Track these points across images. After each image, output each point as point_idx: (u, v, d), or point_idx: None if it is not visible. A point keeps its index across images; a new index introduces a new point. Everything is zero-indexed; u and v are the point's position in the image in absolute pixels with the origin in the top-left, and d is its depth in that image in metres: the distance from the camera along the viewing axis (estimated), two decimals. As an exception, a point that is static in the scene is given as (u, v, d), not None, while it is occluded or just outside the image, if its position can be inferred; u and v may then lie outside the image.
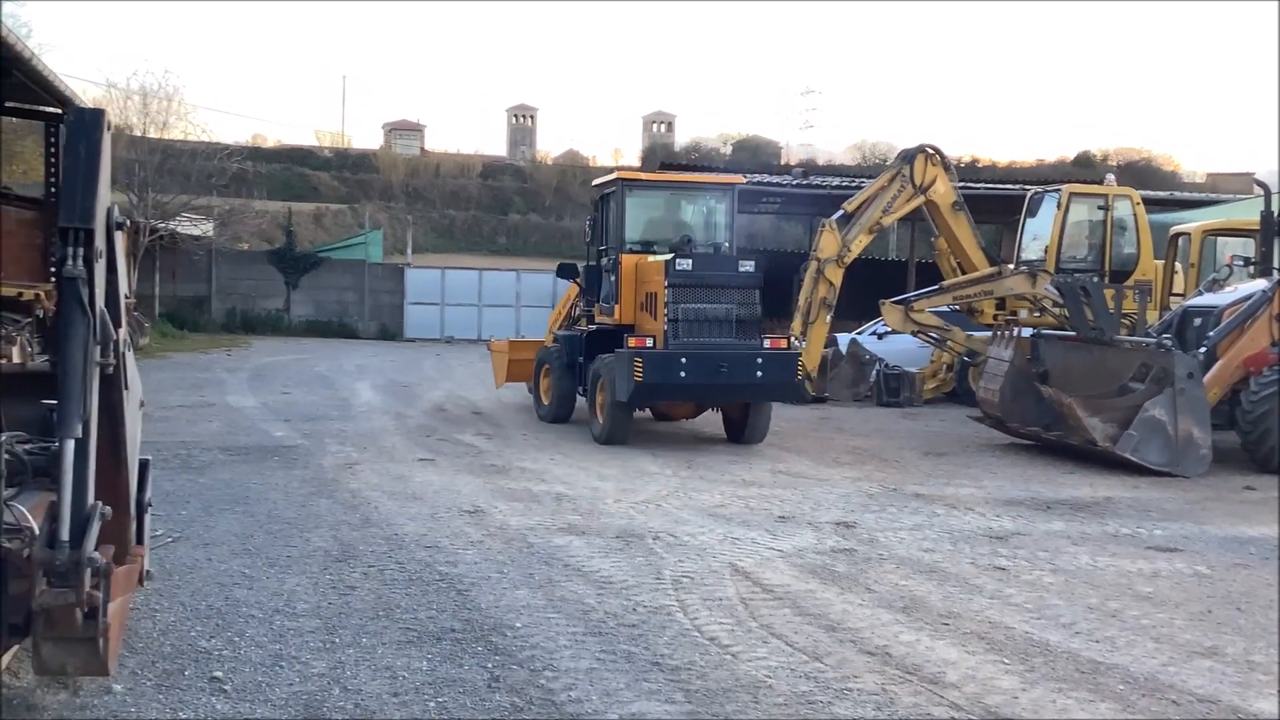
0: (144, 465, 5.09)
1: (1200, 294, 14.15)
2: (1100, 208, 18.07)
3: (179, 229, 29.69)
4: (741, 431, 12.92)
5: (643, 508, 8.90)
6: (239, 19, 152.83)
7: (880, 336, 19.58)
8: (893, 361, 18.29)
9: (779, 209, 32.21)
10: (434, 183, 65.41)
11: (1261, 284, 12.54)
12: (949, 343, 17.68)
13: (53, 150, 7.26)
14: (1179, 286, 17.13)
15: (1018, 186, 25.74)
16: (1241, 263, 15.28)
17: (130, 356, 4.56)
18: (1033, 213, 18.49)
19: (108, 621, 3.85)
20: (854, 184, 24.29)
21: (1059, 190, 18.24)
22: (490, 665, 5.12)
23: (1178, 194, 32.97)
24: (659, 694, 4.83)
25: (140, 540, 4.99)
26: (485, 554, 7.20)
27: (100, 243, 3.95)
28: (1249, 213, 17.37)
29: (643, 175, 15.42)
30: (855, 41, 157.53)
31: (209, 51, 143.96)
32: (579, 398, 13.91)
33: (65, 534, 3.67)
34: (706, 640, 5.58)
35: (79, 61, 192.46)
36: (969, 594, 6.61)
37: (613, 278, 13.41)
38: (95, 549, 3.73)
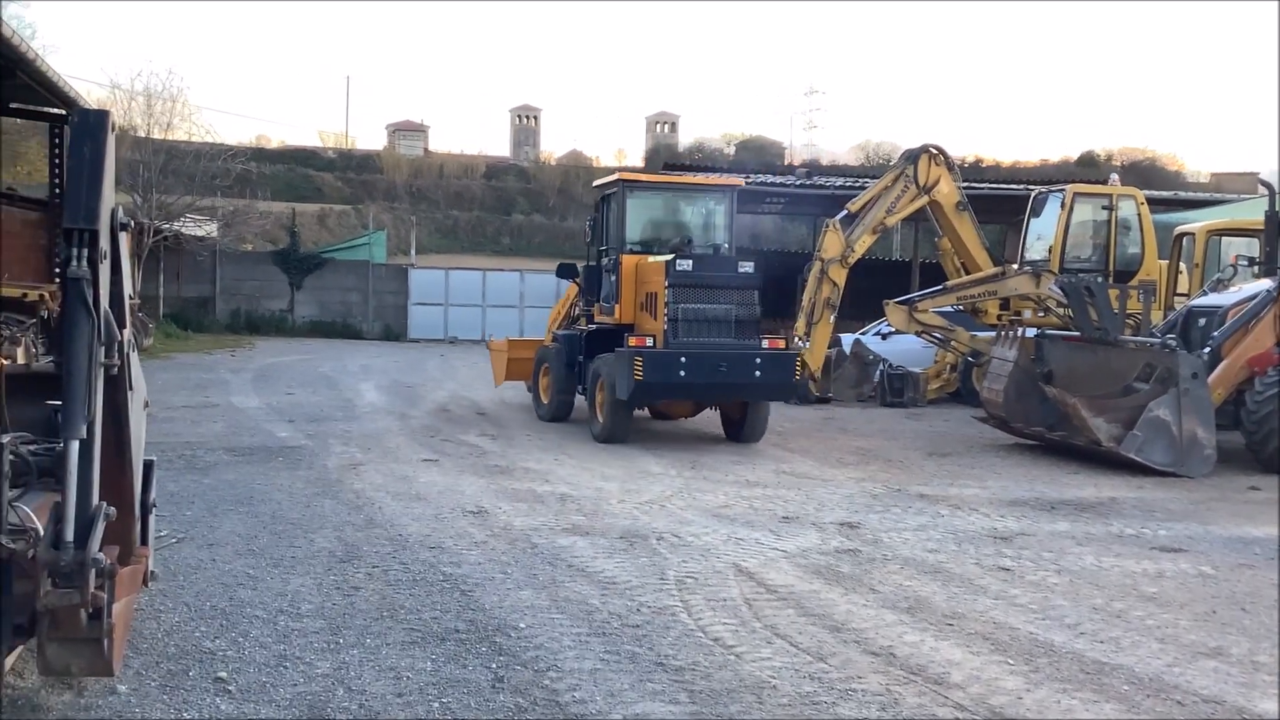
0: (148, 466, 5.10)
1: (1205, 294, 14.15)
2: (1104, 208, 18.05)
3: (183, 230, 29.73)
4: (740, 430, 13.01)
5: (647, 508, 8.90)
6: (243, 20, 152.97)
7: (884, 337, 19.56)
8: (897, 362, 18.29)
9: (783, 209, 32.22)
10: (438, 183, 65.43)
11: (1266, 284, 12.53)
12: (953, 343, 17.67)
13: (57, 151, 7.29)
14: (1183, 286, 17.12)
15: (1022, 186, 25.72)
16: (1246, 263, 15.27)
17: (135, 357, 4.57)
18: (1037, 213, 18.48)
19: (112, 622, 3.85)
20: (857, 184, 24.31)
21: (1063, 190, 18.23)
22: (494, 666, 5.12)
23: (1182, 194, 32.91)
24: (663, 694, 4.83)
25: (145, 541, 4.99)
26: (489, 554, 7.20)
27: (105, 244, 3.95)
28: (1253, 212, 17.36)
29: (642, 177, 15.48)
30: (859, 42, 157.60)
31: (213, 52, 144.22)
32: (578, 397, 13.97)
33: (70, 535, 3.67)
34: (710, 641, 5.58)
35: (83, 63, 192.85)
36: (973, 594, 6.60)
37: (613, 278, 13.46)
38: (100, 550, 3.73)
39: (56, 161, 7.25)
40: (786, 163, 62.07)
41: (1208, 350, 11.85)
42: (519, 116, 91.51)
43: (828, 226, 16.94)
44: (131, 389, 4.41)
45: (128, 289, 4.44)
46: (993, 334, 15.27)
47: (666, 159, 45.37)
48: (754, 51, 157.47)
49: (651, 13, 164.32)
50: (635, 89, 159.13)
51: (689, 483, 10.17)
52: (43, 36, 56.72)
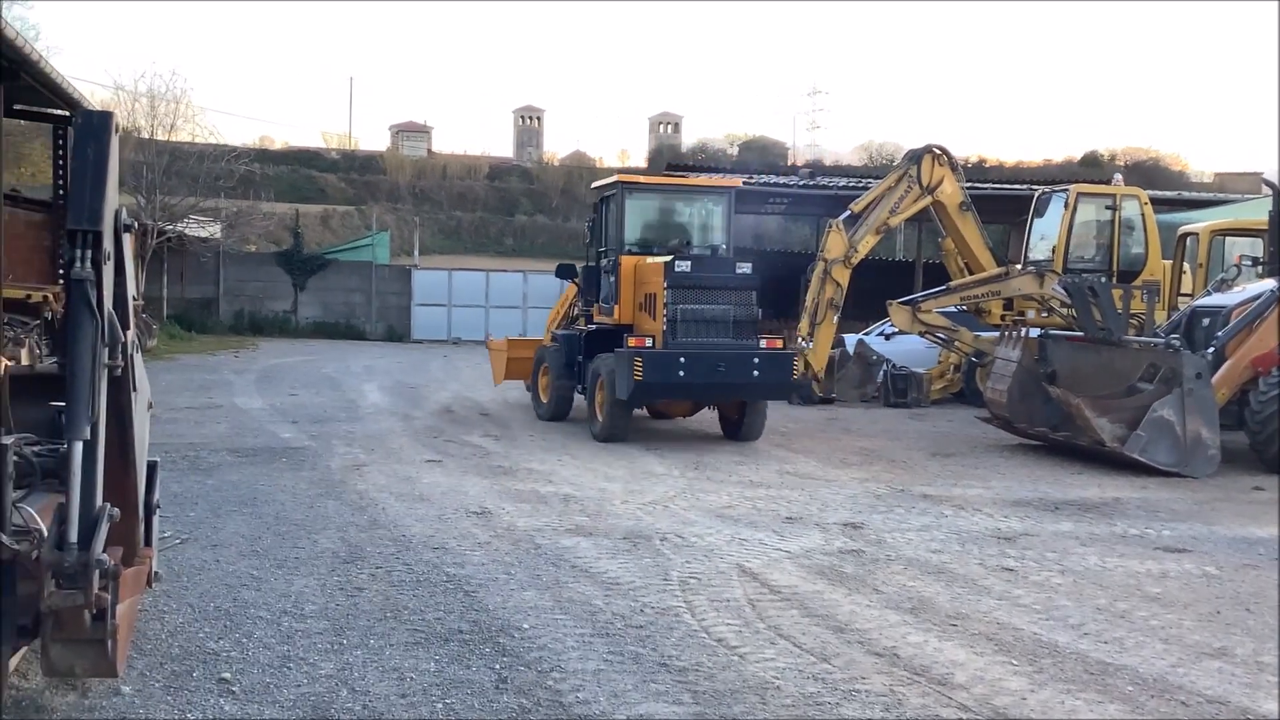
0: (152, 467, 5.11)
1: (1208, 294, 14.12)
2: (1108, 208, 18.03)
3: (187, 231, 29.77)
4: (738, 429, 13.08)
5: (650, 509, 8.90)
6: (246, 21, 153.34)
7: (887, 337, 19.54)
8: (900, 362, 18.27)
9: (786, 209, 32.16)
10: (441, 184, 65.53)
11: (1270, 284, 12.51)
12: (956, 343, 17.63)
13: (61, 153, 7.30)
14: (1187, 286, 17.09)
15: (1025, 186, 25.68)
16: (1250, 262, 15.26)
17: (138, 358, 4.58)
18: (1040, 213, 18.46)
19: (116, 623, 3.86)
20: (861, 184, 24.28)
21: (1066, 190, 18.22)
22: (498, 666, 5.13)
23: (1185, 194, 32.92)
24: (666, 695, 4.83)
25: (148, 542, 5.00)
26: (493, 555, 7.20)
27: (108, 245, 3.96)
28: (1257, 212, 17.36)
29: (641, 178, 15.57)
30: (862, 42, 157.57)
31: (216, 54, 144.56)
32: (577, 396, 14.02)
33: (74, 536, 3.68)
34: (714, 641, 5.58)
35: (87, 64, 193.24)
36: (977, 595, 6.59)
37: (612, 278, 13.52)
38: (103, 551, 3.74)
39: (60, 163, 7.27)
40: (790, 163, 62.06)
41: (1211, 350, 11.83)
42: (522, 117, 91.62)
43: (831, 227, 16.91)
44: (135, 390, 4.41)
45: (131, 290, 4.45)
46: (996, 334, 15.23)
47: (669, 159, 45.30)
48: (757, 52, 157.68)
49: (655, 14, 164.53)
50: (638, 89, 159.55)
51: (692, 483, 10.17)
52: (46, 38, 56.80)
